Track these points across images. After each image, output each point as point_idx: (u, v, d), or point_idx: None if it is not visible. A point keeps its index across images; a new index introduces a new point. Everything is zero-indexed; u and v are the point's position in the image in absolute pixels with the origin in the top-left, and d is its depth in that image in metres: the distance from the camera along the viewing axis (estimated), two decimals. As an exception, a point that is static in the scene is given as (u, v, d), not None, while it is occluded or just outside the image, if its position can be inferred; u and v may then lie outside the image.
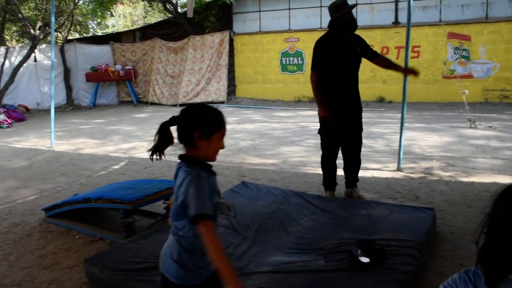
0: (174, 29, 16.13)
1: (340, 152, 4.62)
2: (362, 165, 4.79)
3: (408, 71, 4.73)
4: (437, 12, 12.15)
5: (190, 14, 10.94)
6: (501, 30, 11.80)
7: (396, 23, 12.84)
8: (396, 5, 12.77)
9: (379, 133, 8.32)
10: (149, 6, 18.40)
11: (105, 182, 5.72)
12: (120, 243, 3.43)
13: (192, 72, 15.01)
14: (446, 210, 4.25)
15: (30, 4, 15.55)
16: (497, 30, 11.83)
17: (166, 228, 3.62)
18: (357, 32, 4.50)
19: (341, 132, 4.46)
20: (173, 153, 6.76)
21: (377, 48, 12.97)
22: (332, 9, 4.36)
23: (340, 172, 4.70)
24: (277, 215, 3.89)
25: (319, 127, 4.60)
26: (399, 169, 5.71)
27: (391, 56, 12.97)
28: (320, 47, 4.40)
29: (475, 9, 12.02)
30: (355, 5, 4.45)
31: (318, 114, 4.45)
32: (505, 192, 1.21)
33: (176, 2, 16.78)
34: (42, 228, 4.22)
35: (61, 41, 16.11)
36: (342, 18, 4.30)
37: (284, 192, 4.45)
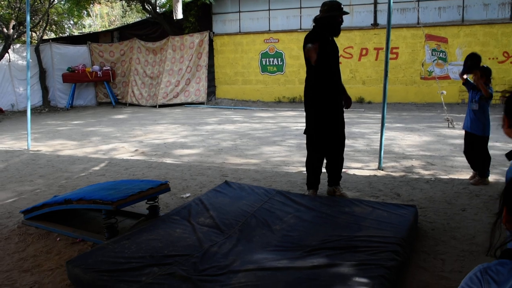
0: (153, 29, 16.01)
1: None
2: (344, 164, 4.83)
3: (345, 99, 4.71)
4: (415, 14, 12.35)
5: (178, 16, 10.63)
6: (477, 32, 12.09)
7: (375, 24, 13.01)
8: (375, 7, 12.95)
9: (359, 133, 8.41)
10: (127, 6, 18.18)
11: (85, 183, 5.63)
12: (103, 243, 3.37)
13: (171, 73, 14.91)
14: (427, 207, 4.32)
15: (3, 2, 15.17)
16: (473, 32, 12.12)
17: (149, 228, 3.60)
18: None
19: (327, 130, 4.48)
20: (153, 154, 6.69)
21: (356, 49, 13.16)
22: (328, 6, 4.37)
23: (322, 170, 4.73)
24: (261, 214, 3.89)
25: (305, 127, 4.61)
26: (380, 168, 5.78)
27: (370, 58, 13.16)
28: (312, 38, 4.38)
29: (451, 12, 12.29)
30: (347, 13, 4.51)
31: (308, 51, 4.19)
32: None
33: (155, 2, 16.63)
34: (21, 231, 4.11)
35: (36, 41, 15.79)
36: (337, 18, 4.34)
37: (267, 191, 4.45)
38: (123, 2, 17.71)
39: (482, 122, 4.95)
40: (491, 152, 5.48)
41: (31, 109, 14.22)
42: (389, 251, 3.02)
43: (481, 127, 4.95)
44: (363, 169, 5.87)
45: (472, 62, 4.86)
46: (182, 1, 14.53)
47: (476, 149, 5.04)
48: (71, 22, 20.78)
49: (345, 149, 4.78)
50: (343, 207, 3.94)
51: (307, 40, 4.37)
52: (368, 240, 3.21)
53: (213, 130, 9.48)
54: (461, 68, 12.04)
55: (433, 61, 12.34)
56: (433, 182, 5.17)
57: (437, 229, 3.80)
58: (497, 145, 7.07)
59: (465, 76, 5.14)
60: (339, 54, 4.82)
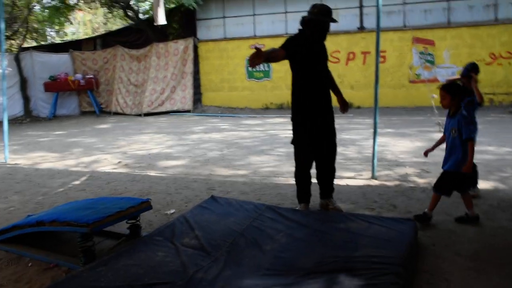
0: (136, 36, 15.70)
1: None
2: (336, 174, 4.58)
3: (341, 104, 4.51)
4: (401, 17, 12.27)
5: (159, 21, 10.30)
6: (463, 35, 12.02)
7: (361, 28, 12.87)
8: (361, 10, 12.83)
9: (349, 140, 8.20)
10: (109, 13, 17.83)
11: (63, 200, 5.31)
12: (77, 271, 3.07)
13: (156, 80, 14.61)
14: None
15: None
16: (459, 35, 12.05)
17: (129, 251, 3.31)
18: None
19: (316, 141, 4.24)
20: (137, 166, 6.30)
21: (343, 54, 13.00)
22: (318, 9, 4.15)
23: (313, 181, 4.48)
24: (250, 232, 3.61)
25: (292, 137, 4.36)
26: (373, 177, 5.55)
27: (357, 62, 13.02)
28: (294, 43, 4.15)
29: (437, 14, 12.22)
30: (336, 21, 4.29)
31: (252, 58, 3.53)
32: None
33: (138, 8, 16.34)
34: (-11, 256, 3.79)
35: (16, 49, 15.37)
36: (324, 24, 4.16)
37: (257, 207, 4.18)
38: (105, 8, 17.38)
39: (469, 127, 4.74)
40: (485, 157, 5.29)
41: (12, 120, 13.88)
42: (391, 273, 2.77)
43: (468, 132, 4.73)
44: (356, 178, 5.64)
45: (473, 67, 4.73)
46: (166, 7, 14.26)
47: None
48: (53, 29, 20.36)
49: (337, 157, 4.52)
50: (337, 223, 3.69)
51: (284, 43, 4.14)
52: (367, 261, 2.96)
53: (199, 139, 9.20)
54: (449, 70, 12.08)
55: (421, 64, 12.22)
56: (430, 191, 4.91)
57: (438, 244, 3.56)
58: (490, 149, 6.92)
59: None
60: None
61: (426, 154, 4.36)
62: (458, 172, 3.95)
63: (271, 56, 3.96)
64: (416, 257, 3.29)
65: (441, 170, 5.75)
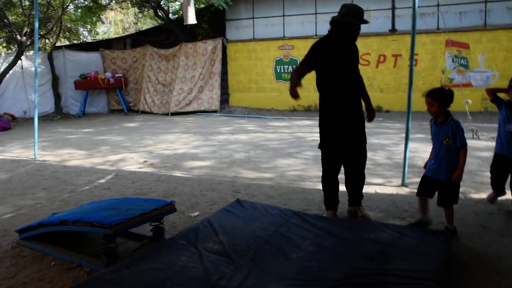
0: (165, 36, 15.78)
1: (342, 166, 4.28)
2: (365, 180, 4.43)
3: (368, 111, 4.41)
4: (434, 19, 11.92)
5: (189, 21, 10.33)
6: (500, 38, 11.57)
7: (393, 30, 12.57)
8: (393, 12, 12.51)
9: (379, 145, 7.97)
10: (139, 12, 17.99)
11: (89, 198, 5.32)
12: (99, 273, 3.02)
13: (184, 80, 14.64)
14: (459, 231, 3.89)
15: (17, 10, 15.12)
16: (496, 38, 11.60)
17: (152, 255, 3.24)
18: None
19: (344, 145, 4.10)
20: (162, 166, 6.27)
21: (373, 56, 12.73)
22: (346, 9, 4.03)
23: (341, 187, 4.34)
24: (276, 239, 3.50)
25: (319, 142, 4.24)
26: (404, 184, 5.36)
27: (388, 65, 12.72)
28: (319, 49, 4.05)
29: (473, 17, 11.79)
30: (367, 22, 4.14)
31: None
32: None
33: (168, 8, 16.43)
34: (15, 253, 3.79)
35: (50, 48, 15.69)
36: (353, 25, 4.02)
37: (283, 212, 4.07)
38: (135, 8, 17.55)
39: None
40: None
41: (43, 116, 14.19)
42: (424, 289, 2.62)
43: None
44: (385, 185, 5.46)
45: None
46: (195, 7, 14.25)
47: None
48: (86, 29, 20.69)
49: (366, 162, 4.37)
50: (367, 233, 3.54)
51: (305, 56, 4.09)
52: (398, 275, 2.81)
53: (225, 140, 9.14)
54: (483, 75, 11.66)
55: (454, 68, 11.85)
56: (463, 201, 4.73)
57: (474, 259, 3.37)
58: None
59: (490, 87, 4.67)
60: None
61: (426, 167, 4.06)
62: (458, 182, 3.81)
63: (299, 76, 3.96)
64: (450, 272, 3.12)
65: (474, 179, 5.52)
